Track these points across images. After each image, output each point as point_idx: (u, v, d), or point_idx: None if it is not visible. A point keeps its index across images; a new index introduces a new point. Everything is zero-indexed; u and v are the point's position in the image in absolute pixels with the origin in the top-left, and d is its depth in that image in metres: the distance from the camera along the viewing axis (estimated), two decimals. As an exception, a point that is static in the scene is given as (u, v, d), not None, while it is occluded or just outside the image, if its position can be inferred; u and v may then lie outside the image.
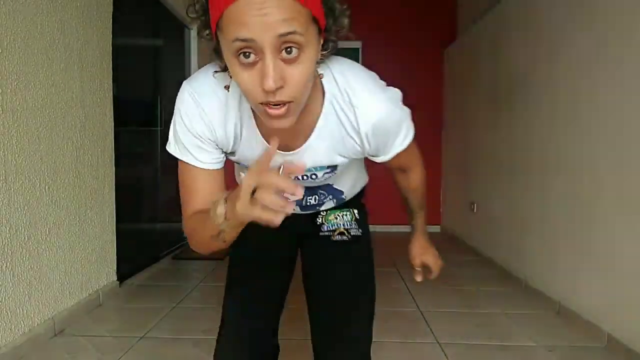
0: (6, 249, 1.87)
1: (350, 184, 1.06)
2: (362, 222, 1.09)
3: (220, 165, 0.85)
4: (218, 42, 0.68)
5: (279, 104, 0.65)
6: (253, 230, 0.73)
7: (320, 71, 0.77)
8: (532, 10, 3.02)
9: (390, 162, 0.91)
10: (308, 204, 1.03)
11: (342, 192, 1.05)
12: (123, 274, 2.92)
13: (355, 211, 1.08)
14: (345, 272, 1.05)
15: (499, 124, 3.56)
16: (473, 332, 2.29)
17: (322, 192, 1.02)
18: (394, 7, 5.09)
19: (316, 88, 0.78)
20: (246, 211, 0.59)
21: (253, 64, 0.63)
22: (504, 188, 3.44)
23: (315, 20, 0.65)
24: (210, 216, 0.68)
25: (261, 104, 0.66)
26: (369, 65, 0.84)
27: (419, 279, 1.17)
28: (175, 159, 0.84)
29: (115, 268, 2.79)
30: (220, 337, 1.05)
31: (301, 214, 1.06)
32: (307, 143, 0.82)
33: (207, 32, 0.68)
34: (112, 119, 2.74)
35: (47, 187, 2.13)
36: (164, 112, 3.84)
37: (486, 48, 3.86)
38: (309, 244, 1.10)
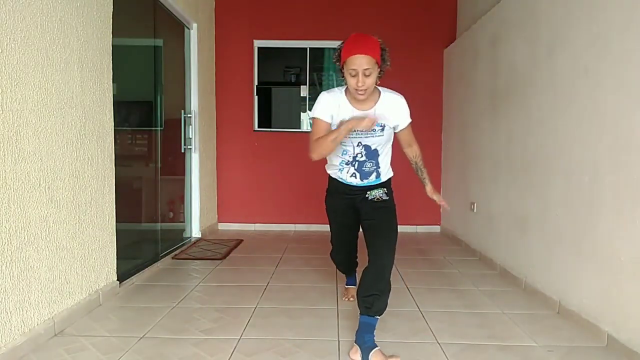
0: (6, 249, 1.87)
1: (384, 167, 2.20)
2: (388, 194, 2.20)
3: (330, 123, 2.06)
4: (342, 67, 1.95)
5: (362, 91, 1.92)
6: (335, 206, 2.32)
7: (377, 85, 2.04)
8: (532, 10, 3.02)
9: (402, 136, 2.19)
10: (364, 169, 2.14)
11: (379, 168, 2.17)
12: (123, 274, 2.92)
13: (384, 189, 2.19)
14: (382, 215, 2.15)
15: (498, 124, 3.56)
16: (473, 332, 2.29)
17: (371, 161, 2.13)
18: (394, 6, 5.09)
19: (375, 89, 2.04)
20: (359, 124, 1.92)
21: (355, 76, 1.89)
22: (504, 188, 3.43)
23: (377, 64, 1.91)
24: (332, 133, 1.96)
25: (355, 89, 1.91)
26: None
27: (446, 205, 2.36)
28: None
29: (115, 268, 2.79)
30: (332, 249, 2.58)
31: (359, 189, 2.19)
32: (374, 107, 2.03)
33: (339, 63, 1.96)
34: (112, 119, 2.74)
35: (46, 187, 2.13)
36: (164, 112, 3.84)
37: (486, 48, 3.86)
38: (363, 207, 2.19)
